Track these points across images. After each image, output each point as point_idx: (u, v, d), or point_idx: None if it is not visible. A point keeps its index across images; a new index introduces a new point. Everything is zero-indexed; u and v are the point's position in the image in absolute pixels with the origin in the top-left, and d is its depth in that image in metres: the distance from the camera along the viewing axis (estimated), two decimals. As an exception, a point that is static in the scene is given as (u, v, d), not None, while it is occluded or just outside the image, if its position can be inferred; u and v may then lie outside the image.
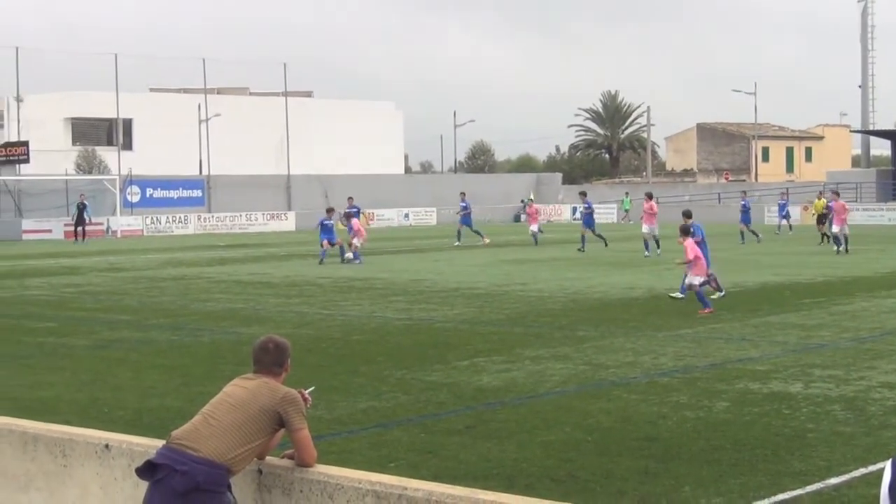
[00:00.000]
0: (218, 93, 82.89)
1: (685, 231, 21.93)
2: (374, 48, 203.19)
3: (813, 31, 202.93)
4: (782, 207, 53.75)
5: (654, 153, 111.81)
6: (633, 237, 42.27)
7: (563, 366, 14.63)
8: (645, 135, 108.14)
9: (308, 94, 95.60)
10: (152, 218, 63.09)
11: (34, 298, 25.38)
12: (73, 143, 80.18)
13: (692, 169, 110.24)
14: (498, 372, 14.25)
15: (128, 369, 15.03)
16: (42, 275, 32.48)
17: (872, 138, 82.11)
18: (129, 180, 65.17)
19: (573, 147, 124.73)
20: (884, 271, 29.26)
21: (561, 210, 76.96)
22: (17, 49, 63.86)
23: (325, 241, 35.41)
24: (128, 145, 77.09)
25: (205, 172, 71.31)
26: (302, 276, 30.44)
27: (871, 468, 9.21)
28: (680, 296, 22.09)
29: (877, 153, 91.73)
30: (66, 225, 57.41)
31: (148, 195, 66.22)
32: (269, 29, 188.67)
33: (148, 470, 5.94)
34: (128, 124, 78.47)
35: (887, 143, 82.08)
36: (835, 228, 37.17)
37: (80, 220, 55.29)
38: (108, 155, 72.60)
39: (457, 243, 44.38)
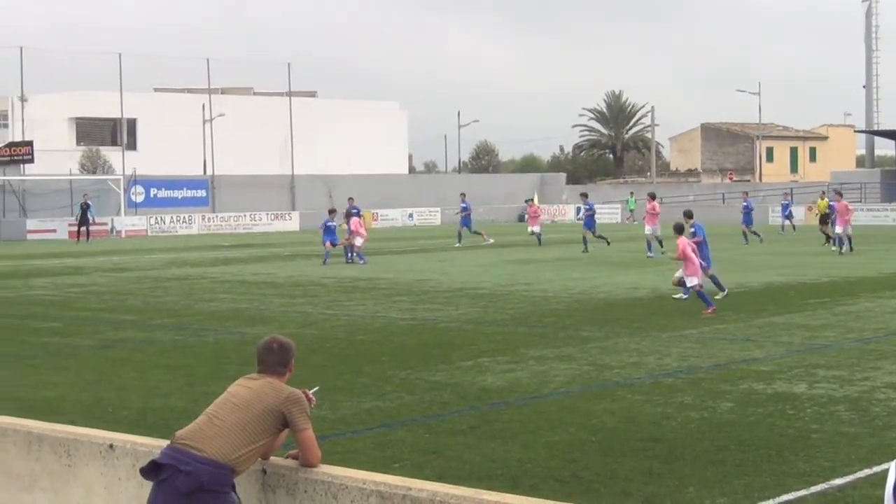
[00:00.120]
0: (222, 93, 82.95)
1: (678, 229, 22.11)
2: (378, 48, 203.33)
3: (817, 30, 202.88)
4: (785, 208, 53.76)
5: (658, 153, 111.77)
6: (637, 237, 42.25)
7: (567, 366, 14.63)
8: (649, 135, 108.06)
9: (312, 94, 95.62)
10: (156, 218, 63.15)
11: (38, 298, 25.41)
12: (78, 142, 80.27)
13: (696, 169, 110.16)
14: (502, 372, 14.24)
15: (132, 369, 15.04)
16: (46, 275, 32.51)
17: (877, 138, 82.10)
18: (133, 180, 65.22)
19: (577, 147, 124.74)
20: (888, 272, 29.21)
21: (565, 210, 76.98)
22: (21, 49, 63.99)
23: (327, 243, 35.40)
24: (132, 145, 77.17)
25: (209, 172, 71.36)
26: (306, 276, 30.45)
27: (876, 469, 9.20)
28: (684, 297, 22.11)
29: (881, 153, 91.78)
30: (70, 225, 57.47)
31: (152, 195, 66.29)
32: (273, 29, 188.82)
33: (152, 470, 5.94)
34: (132, 124, 78.52)
35: (891, 143, 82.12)
36: (838, 229, 37.16)
37: (83, 220, 55.32)
38: (112, 155, 72.67)
39: (457, 244, 44.31)
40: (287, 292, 25.74)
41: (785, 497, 8.51)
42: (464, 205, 46.42)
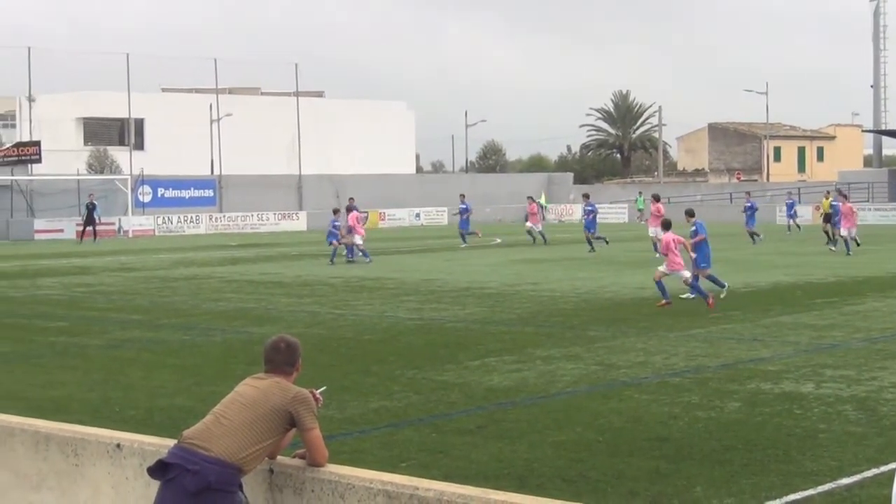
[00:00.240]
0: (229, 93, 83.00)
1: (666, 226, 22.77)
2: (385, 48, 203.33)
3: (825, 30, 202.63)
4: (790, 207, 53.71)
5: (665, 153, 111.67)
6: (643, 237, 42.18)
7: (574, 366, 14.62)
8: (656, 134, 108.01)
9: (320, 94, 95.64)
10: (164, 218, 63.22)
11: (46, 298, 25.46)
12: (85, 142, 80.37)
13: (704, 169, 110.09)
14: (509, 372, 14.25)
15: (139, 369, 15.06)
16: (54, 274, 32.57)
17: (884, 138, 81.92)
18: (140, 180, 65.31)
19: (585, 147, 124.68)
20: (895, 271, 29.20)
21: (572, 210, 76.91)
22: (29, 49, 64.17)
23: (334, 242, 35.68)
24: (139, 145, 77.22)
25: (216, 172, 71.43)
26: (313, 275, 30.48)
27: (883, 468, 9.19)
28: (691, 297, 22.13)
29: (889, 153, 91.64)
30: (77, 225, 57.54)
31: (159, 195, 66.36)
32: (280, 29, 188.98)
33: (159, 469, 5.95)
34: (139, 124, 78.59)
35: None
36: (843, 231, 36.84)
37: (89, 220, 55.38)
38: (119, 155, 72.76)
39: (463, 245, 44.19)
40: (294, 292, 25.76)
41: (792, 496, 8.51)
42: (463, 206, 45.71)
